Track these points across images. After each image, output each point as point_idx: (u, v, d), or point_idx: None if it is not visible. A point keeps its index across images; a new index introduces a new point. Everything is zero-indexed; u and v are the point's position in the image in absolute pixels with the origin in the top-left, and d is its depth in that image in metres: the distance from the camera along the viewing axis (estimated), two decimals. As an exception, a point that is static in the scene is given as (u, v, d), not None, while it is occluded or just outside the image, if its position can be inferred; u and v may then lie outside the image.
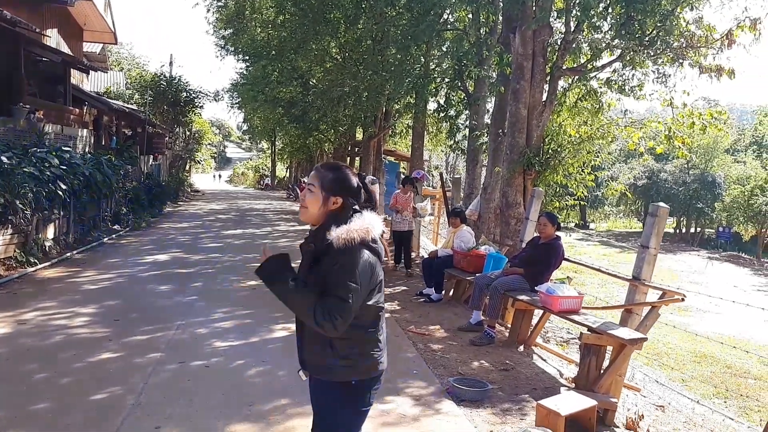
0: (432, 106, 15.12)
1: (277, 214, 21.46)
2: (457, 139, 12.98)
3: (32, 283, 7.90)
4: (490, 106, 12.18)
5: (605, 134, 9.69)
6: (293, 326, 6.36)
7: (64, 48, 16.48)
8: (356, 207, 2.27)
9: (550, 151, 8.35)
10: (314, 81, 20.03)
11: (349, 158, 24.31)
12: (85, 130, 14.75)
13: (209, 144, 48.33)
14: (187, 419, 3.86)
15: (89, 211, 12.08)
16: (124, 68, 39.60)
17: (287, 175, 46.24)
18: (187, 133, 32.01)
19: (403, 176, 12.67)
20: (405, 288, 8.60)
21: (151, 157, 22.70)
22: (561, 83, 8.66)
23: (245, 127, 51.21)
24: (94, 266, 9.30)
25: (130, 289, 7.77)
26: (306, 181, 2.30)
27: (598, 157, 11.39)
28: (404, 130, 22.18)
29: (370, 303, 2.23)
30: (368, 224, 2.20)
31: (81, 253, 10.39)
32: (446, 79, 12.50)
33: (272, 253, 2.22)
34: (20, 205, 8.45)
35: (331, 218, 2.21)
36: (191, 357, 5.08)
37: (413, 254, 10.34)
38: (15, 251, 8.71)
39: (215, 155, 67.65)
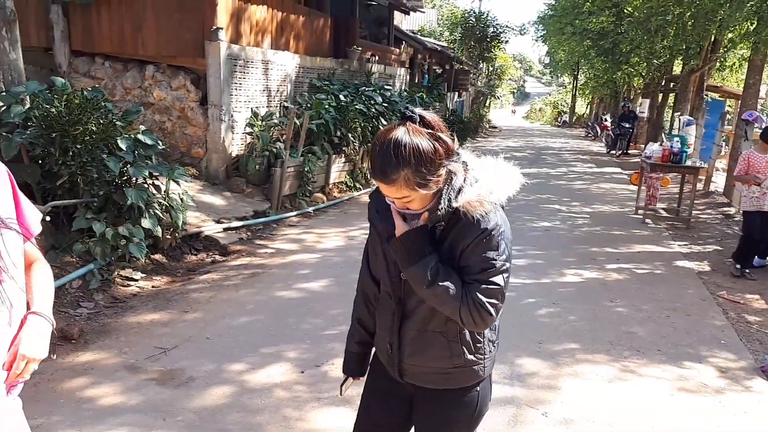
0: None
1: (573, 153, 20.78)
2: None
3: (357, 205, 9.31)
4: None
5: None
6: (586, 273, 6.26)
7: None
8: (465, 159, 1.62)
9: None
10: (629, 9, 18.31)
11: (662, 94, 21.90)
12: (402, 69, 16.23)
13: (509, 79, 48.49)
14: (482, 344, 4.23)
15: (402, 144, 13.45)
16: (436, 4, 41.76)
17: (587, 111, 43.95)
18: (490, 68, 32.58)
19: (728, 116, 10.93)
20: (717, 247, 7.66)
21: (456, 93, 23.88)
22: None
23: (547, 61, 49.80)
24: (405, 194, 10.44)
25: (434, 218, 8.57)
26: (388, 200, 1.61)
27: None
28: (737, 63, 18.92)
29: None
30: (506, 177, 1.66)
31: (394, 181, 11.75)
32: (804, 0, 10.20)
33: (411, 222, 1.61)
34: (352, 138, 9.89)
35: (446, 191, 1.57)
36: (486, 288, 5.46)
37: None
38: (346, 177, 10.30)
39: (514, 90, 67.70)
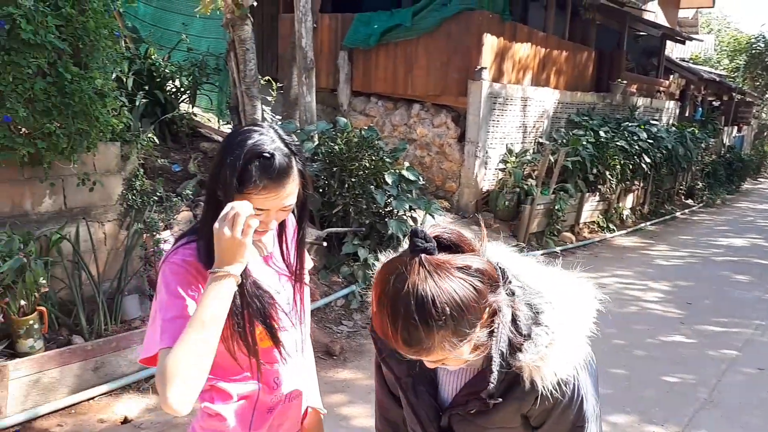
0: None
1: None
2: None
3: (609, 249, 8.69)
4: None
5: None
6: None
7: (661, 18, 16.80)
8: (513, 284, 1.14)
9: None
10: None
11: None
12: (671, 102, 14.83)
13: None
14: (765, 437, 3.58)
15: (665, 184, 12.25)
16: (713, 29, 37.38)
17: None
18: (783, 99, 27.96)
19: None
20: None
21: (735, 127, 21.00)
22: None
23: None
24: (666, 241, 9.46)
25: (702, 271, 7.58)
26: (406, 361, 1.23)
27: None
28: None
29: None
30: (575, 303, 1.16)
31: (654, 225, 10.73)
32: None
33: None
34: (609, 176, 9.33)
35: (496, 345, 1.10)
36: (772, 366, 4.62)
37: None
38: (598, 217, 9.72)
39: (812, 123, 56.91)
